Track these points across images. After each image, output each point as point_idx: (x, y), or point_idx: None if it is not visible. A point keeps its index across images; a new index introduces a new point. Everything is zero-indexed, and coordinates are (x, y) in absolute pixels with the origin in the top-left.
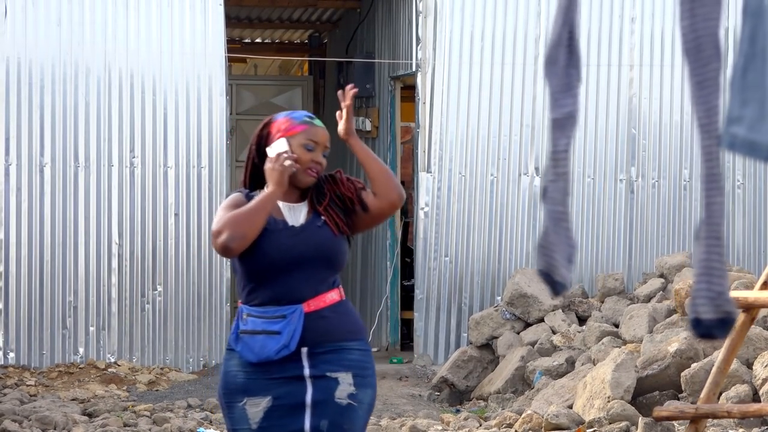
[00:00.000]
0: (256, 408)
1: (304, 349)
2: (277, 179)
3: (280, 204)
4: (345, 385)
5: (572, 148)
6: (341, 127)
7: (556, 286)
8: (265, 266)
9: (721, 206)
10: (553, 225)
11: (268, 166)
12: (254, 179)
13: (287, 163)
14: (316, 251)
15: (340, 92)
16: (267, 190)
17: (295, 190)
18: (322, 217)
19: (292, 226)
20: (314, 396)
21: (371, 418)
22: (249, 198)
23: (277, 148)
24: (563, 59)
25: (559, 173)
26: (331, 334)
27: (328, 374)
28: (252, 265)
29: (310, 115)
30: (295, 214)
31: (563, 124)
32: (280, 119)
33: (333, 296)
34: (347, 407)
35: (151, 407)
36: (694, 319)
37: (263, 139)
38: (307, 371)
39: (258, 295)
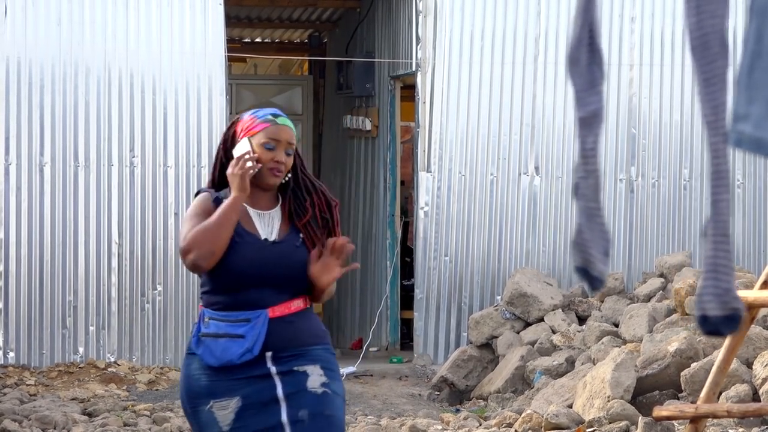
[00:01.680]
0: (224, 410)
1: (269, 354)
2: (239, 185)
3: (250, 211)
4: (315, 376)
5: (600, 145)
6: (324, 283)
7: (594, 282)
8: (233, 279)
9: (727, 203)
10: (586, 221)
11: (229, 171)
12: (222, 180)
13: (248, 164)
14: (290, 270)
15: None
16: (230, 197)
17: (264, 194)
18: (300, 235)
19: (265, 240)
20: (285, 389)
21: (371, 417)
22: (216, 201)
23: (239, 149)
24: (585, 58)
25: (589, 170)
26: (296, 339)
27: (295, 368)
28: (219, 276)
29: (276, 112)
30: (267, 224)
31: (590, 122)
32: (245, 118)
33: (298, 303)
34: (323, 395)
35: (151, 407)
36: (701, 316)
37: (229, 139)
38: (273, 369)
39: (222, 300)
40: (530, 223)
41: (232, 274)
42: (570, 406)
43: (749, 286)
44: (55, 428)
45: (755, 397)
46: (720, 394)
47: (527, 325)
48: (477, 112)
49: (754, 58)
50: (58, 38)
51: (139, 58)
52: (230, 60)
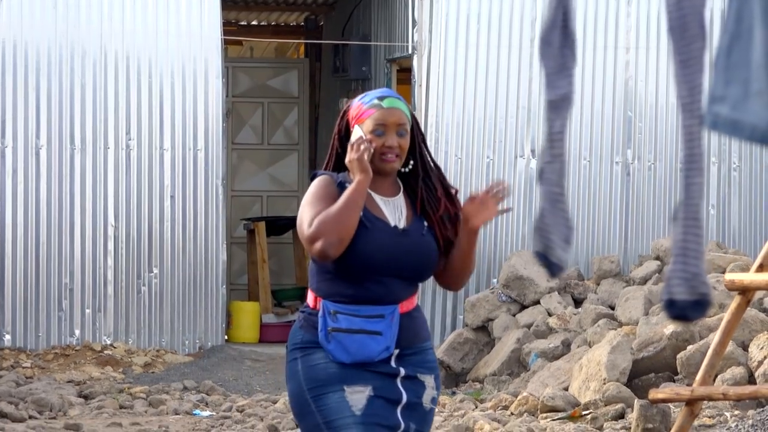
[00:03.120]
0: (359, 395)
1: (396, 351)
2: (359, 167)
3: (376, 198)
4: (429, 389)
5: (568, 129)
6: (475, 224)
7: (552, 268)
8: (362, 266)
9: (700, 187)
10: (549, 206)
11: (347, 159)
12: (337, 169)
13: (363, 146)
14: (419, 258)
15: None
16: (354, 180)
17: (385, 180)
18: (425, 223)
19: (395, 227)
20: (408, 397)
21: None
22: (340, 186)
23: (352, 139)
24: (558, 41)
25: (555, 154)
26: (418, 335)
27: (418, 375)
28: (347, 263)
29: (383, 93)
30: (394, 212)
31: (559, 105)
32: (353, 105)
33: (416, 298)
34: (430, 412)
35: (146, 389)
36: (668, 300)
37: (343, 129)
38: (401, 371)
39: (348, 292)
40: (526, 205)
41: (363, 262)
42: (566, 389)
43: (745, 268)
44: (51, 411)
45: (751, 379)
46: (716, 376)
47: (523, 307)
48: (473, 95)
49: (733, 39)
50: (54, 21)
51: (136, 41)
52: (226, 43)
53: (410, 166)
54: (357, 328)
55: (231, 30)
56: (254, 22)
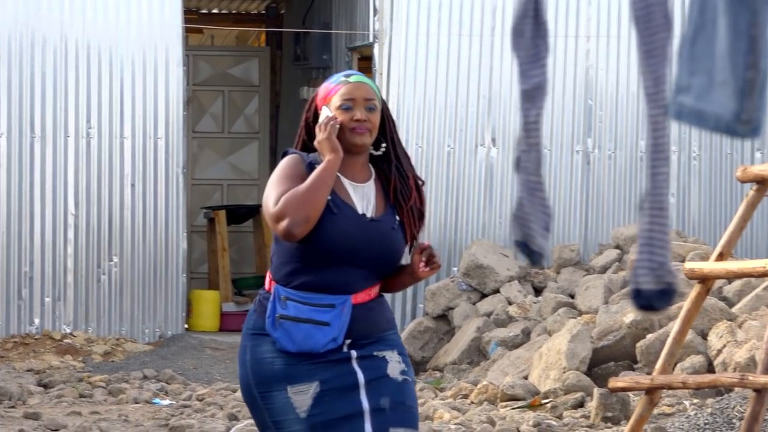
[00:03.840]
0: (302, 395)
1: (348, 341)
2: (329, 146)
3: (345, 183)
4: (394, 362)
5: (543, 118)
6: (421, 276)
7: (533, 256)
8: (325, 251)
9: (666, 177)
10: (528, 195)
11: (315, 141)
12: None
13: (330, 125)
14: (384, 251)
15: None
16: (324, 160)
17: (356, 163)
18: (397, 217)
19: (363, 215)
20: (366, 375)
21: None
22: (310, 166)
23: (321, 120)
24: (530, 31)
25: (531, 144)
26: (375, 327)
27: (374, 354)
28: (310, 247)
29: (350, 72)
30: (363, 199)
31: (533, 95)
32: (320, 88)
33: (376, 290)
34: (403, 383)
35: (106, 378)
36: (634, 289)
37: (311, 116)
38: (353, 353)
39: (303, 278)
40: (487, 194)
41: (327, 248)
42: (526, 378)
43: (705, 257)
44: (10, 399)
45: (710, 368)
46: (675, 365)
47: (483, 296)
48: (434, 83)
49: (697, 29)
50: (14, 9)
51: (96, 29)
52: (187, 31)
53: (383, 149)
54: (305, 317)
55: (192, 18)
56: (215, 10)
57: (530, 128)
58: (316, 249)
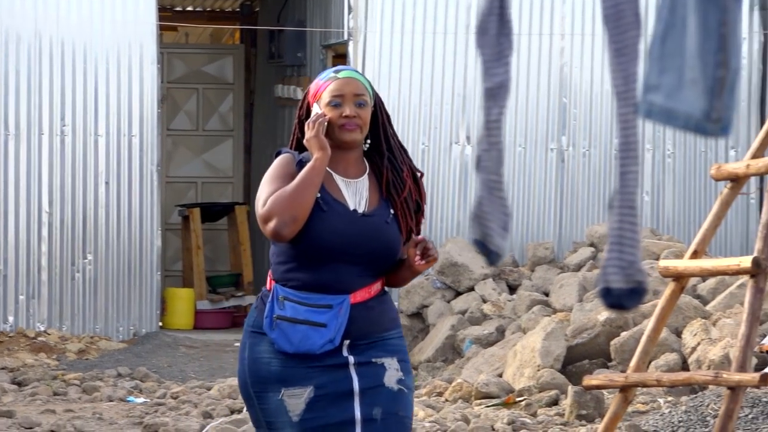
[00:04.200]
0: (297, 399)
1: (347, 342)
2: (316, 144)
3: (336, 178)
4: (392, 370)
5: (505, 117)
6: (419, 269)
7: (491, 255)
8: (316, 250)
9: (636, 175)
10: (487, 194)
11: (305, 139)
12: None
13: (318, 122)
14: (378, 246)
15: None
16: (311, 160)
17: (349, 158)
18: (392, 211)
19: (354, 211)
20: (362, 383)
21: None
22: (300, 164)
23: (310, 118)
24: (494, 28)
25: (492, 142)
26: (375, 326)
27: (373, 360)
28: (301, 246)
29: (339, 68)
30: (355, 194)
31: (496, 93)
32: (311, 86)
33: (377, 287)
34: (399, 393)
35: (81, 376)
36: (603, 288)
37: (304, 114)
38: (351, 359)
39: (300, 277)
40: (461, 192)
41: (318, 246)
42: (500, 375)
43: (679, 255)
44: None
45: (684, 366)
46: (649, 363)
47: (458, 294)
48: (409, 81)
49: (667, 28)
50: None
51: (70, 26)
52: (161, 28)
53: (367, 143)
54: (301, 318)
55: (166, 16)
56: (189, 8)
57: (492, 127)
58: (307, 247)
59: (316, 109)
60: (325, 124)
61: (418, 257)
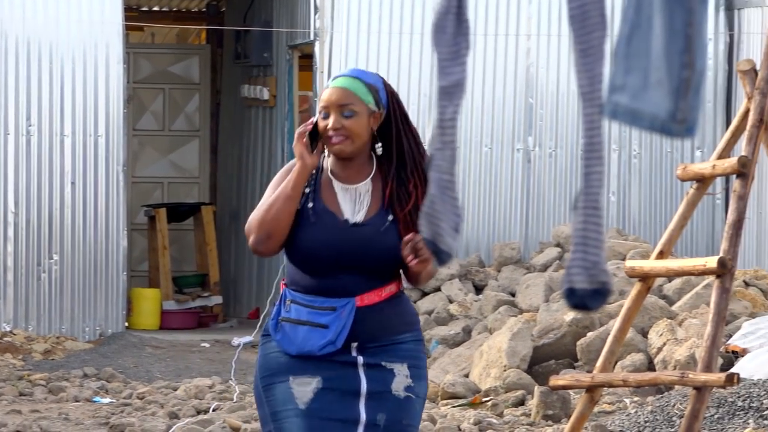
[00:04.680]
0: (305, 387)
1: (354, 344)
2: (297, 154)
3: (336, 185)
4: (401, 377)
5: (466, 116)
6: (419, 267)
7: (441, 255)
8: (305, 261)
9: (600, 176)
10: (439, 193)
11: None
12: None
13: (299, 132)
14: (371, 255)
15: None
16: (292, 171)
17: (351, 164)
18: (390, 217)
19: (345, 221)
20: (369, 386)
21: None
22: None
23: (299, 128)
24: (451, 27)
25: (446, 141)
26: (385, 329)
27: (383, 364)
28: (293, 256)
29: (342, 73)
30: (353, 201)
31: (451, 92)
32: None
33: (391, 288)
34: (406, 400)
35: (47, 376)
36: (568, 289)
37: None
38: (360, 359)
39: (304, 282)
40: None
41: (305, 257)
42: (466, 376)
43: (645, 255)
44: None
45: (650, 366)
46: (616, 363)
47: (424, 294)
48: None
49: (633, 28)
50: None
51: (36, 26)
52: (127, 28)
53: (379, 149)
54: (304, 319)
55: (132, 16)
56: (156, 8)
57: (446, 126)
58: (300, 258)
59: (316, 118)
60: (306, 133)
61: (410, 257)
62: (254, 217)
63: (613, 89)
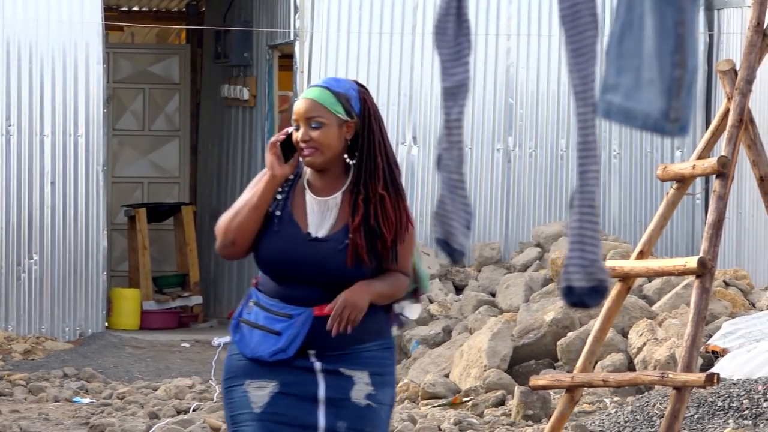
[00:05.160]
0: (260, 392)
1: (312, 352)
2: (267, 163)
3: (308, 197)
4: (361, 384)
5: (465, 116)
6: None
7: (454, 254)
8: (269, 267)
9: (595, 174)
10: (449, 193)
11: None
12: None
13: (271, 142)
14: (325, 272)
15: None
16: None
17: (327, 176)
18: (347, 239)
19: (307, 234)
20: (328, 392)
21: None
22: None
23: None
24: (453, 29)
25: (453, 141)
26: (344, 339)
27: (341, 370)
28: (258, 260)
29: (316, 83)
30: (321, 214)
31: (455, 92)
32: None
33: None
34: (366, 408)
35: (26, 376)
36: (566, 287)
37: None
38: (317, 365)
39: (269, 286)
40: (408, 193)
41: (267, 263)
42: (447, 376)
43: (625, 255)
44: None
45: (630, 366)
46: (596, 363)
47: None
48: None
49: (624, 27)
50: None
51: (16, 26)
52: (107, 28)
53: (351, 161)
54: (260, 323)
55: (112, 15)
56: (135, 8)
57: (452, 126)
58: (262, 263)
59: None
60: (277, 144)
61: (334, 327)
62: (222, 221)
63: (606, 89)
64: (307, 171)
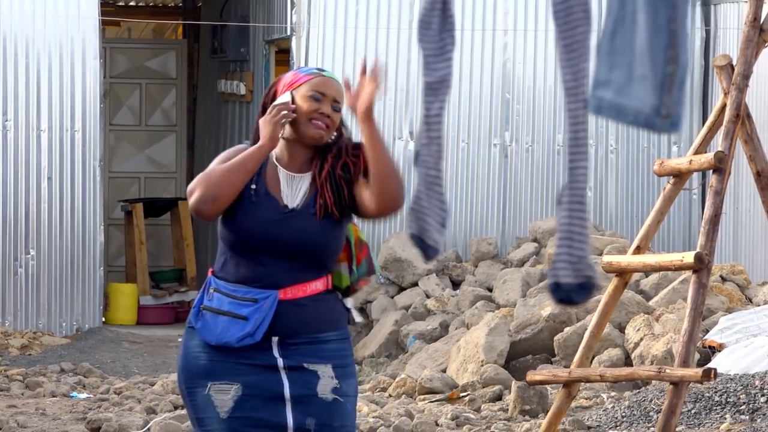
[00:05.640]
0: (224, 395)
1: (275, 338)
2: (269, 133)
3: (281, 172)
4: (326, 378)
5: (446, 112)
6: (362, 106)
7: (428, 251)
8: (242, 242)
9: (585, 171)
10: (425, 189)
11: (261, 119)
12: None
13: (283, 113)
14: (302, 244)
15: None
16: (255, 146)
17: (302, 153)
18: (320, 201)
19: (284, 206)
20: (293, 390)
21: None
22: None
23: (279, 102)
24: (437, 24)
25: (432, 137)
26: (307, 325)
27: (305, 365)
28: (229, 235)
29: (323, 68)
30: (294, 190)
31: (436, 87)
32: (287, 75)
33: (317, 285)
34: (334, 403)
35: (23, 371)
36: (553, 283)
37: (269, 102)
38: (280, 362)
39: (232, 269)
40: (406, 188)
41: (243, 238)
42: (444, 371)
43: (622, 251)
44: None
45: (627, 361)
46: (593, 358)
47: (401, 289)
48: (352, 77)
49: (617, 23)
50: None
51: (12, 21)
52: (104, 23)
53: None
54: (225, 309)
55: (109, 10)
56: (132, 3)
57: (432, 121)
58: (234, 239)
59: (286, 97)
60: (289, 117)
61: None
62: (201, 178)
63: (597, 84)
64: (276, 149)
